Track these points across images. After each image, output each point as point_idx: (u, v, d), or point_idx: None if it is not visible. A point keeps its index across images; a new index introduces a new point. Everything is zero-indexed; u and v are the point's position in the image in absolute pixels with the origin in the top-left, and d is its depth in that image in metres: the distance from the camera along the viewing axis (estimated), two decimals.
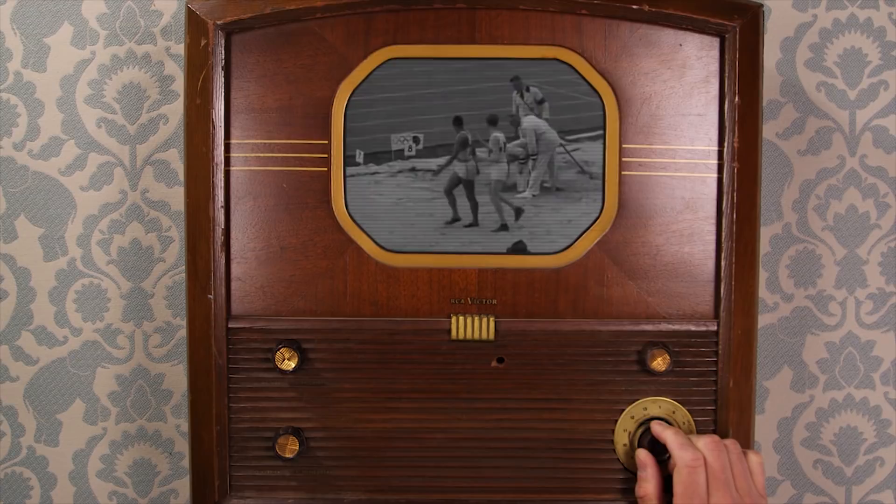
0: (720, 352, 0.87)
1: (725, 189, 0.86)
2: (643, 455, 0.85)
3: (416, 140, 0.85)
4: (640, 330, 0.87)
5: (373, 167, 0.86)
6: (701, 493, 0.80)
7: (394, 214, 0.87)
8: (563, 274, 0.87)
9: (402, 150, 0.86)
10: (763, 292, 1.05)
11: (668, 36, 0.87)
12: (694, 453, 0.81)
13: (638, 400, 0.87)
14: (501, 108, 0.86)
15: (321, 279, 0.87)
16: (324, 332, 0.87)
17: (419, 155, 0.86)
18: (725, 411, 0.87)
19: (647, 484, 0.84)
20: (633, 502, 0.87)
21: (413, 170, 0.86)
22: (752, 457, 0.84)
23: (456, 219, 0.87)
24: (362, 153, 0.86)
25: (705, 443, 0.82)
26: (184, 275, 0.92)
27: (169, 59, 1.02)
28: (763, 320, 1.06)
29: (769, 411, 1.07)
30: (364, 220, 0.86)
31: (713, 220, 0.87)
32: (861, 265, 1.06)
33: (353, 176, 0.86)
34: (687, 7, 0.85)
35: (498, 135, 0.86)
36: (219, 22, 0.84)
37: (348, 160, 0.86)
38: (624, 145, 0.87)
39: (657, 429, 0.85)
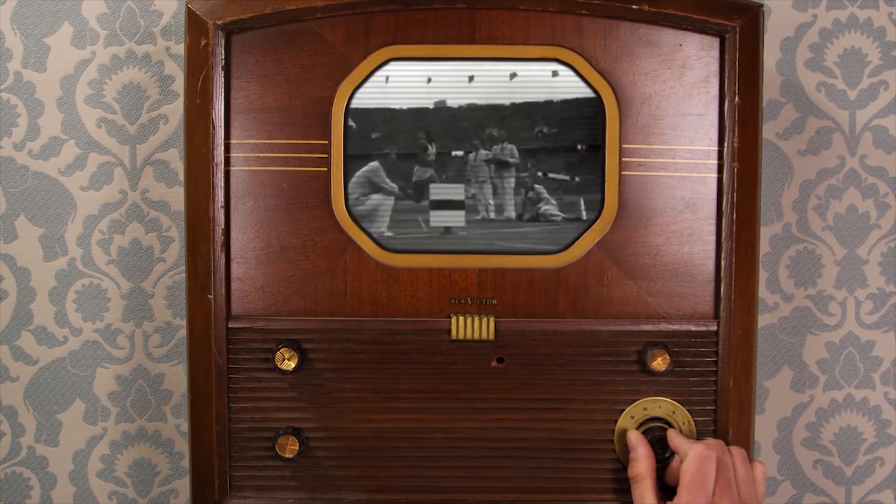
0: (720, 352, 0.87)
1: (725, 189, 0.86)
2: (634, 436, 0.85)
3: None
4: (640, 330, 0.87)
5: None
6: (708, 484, 0.80)
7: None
8: (563, 274, 0.87)
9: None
10: (763, 292, 1.05)
11: (668, 36, 0.87)
12: (708, 446, 0.82)
13: (638, 400, 0.87)
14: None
15: (321, 279, 0.87)
16: (324, 332, 0.87)
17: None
18: (725, 411, 0.87)
19: (639, 464, 0.84)
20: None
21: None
22: (758, 466, 0.84)
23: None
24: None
25: (712, 443, 0.83)
26: (184, 275, 0.92)
27: (169, 59, 1.02)
28: (763, 320, 1.06)
29: (769, 411, 1.07)
30: None
31: (713, 220, 0.87)
32: (861, 265, 1.06)
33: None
34: (687, 7, 0.85)
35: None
36: (219, 22, 0.84)
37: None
38: (624, 145, 0.87)
39: (674, 441, 0.85)
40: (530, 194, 0.85)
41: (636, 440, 0.85)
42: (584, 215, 0.86)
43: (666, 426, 0.86)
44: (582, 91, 0.86)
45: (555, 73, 0.84)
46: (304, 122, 0.86)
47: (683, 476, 0.81)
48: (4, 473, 1.05)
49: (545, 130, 0.85)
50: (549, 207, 0.84)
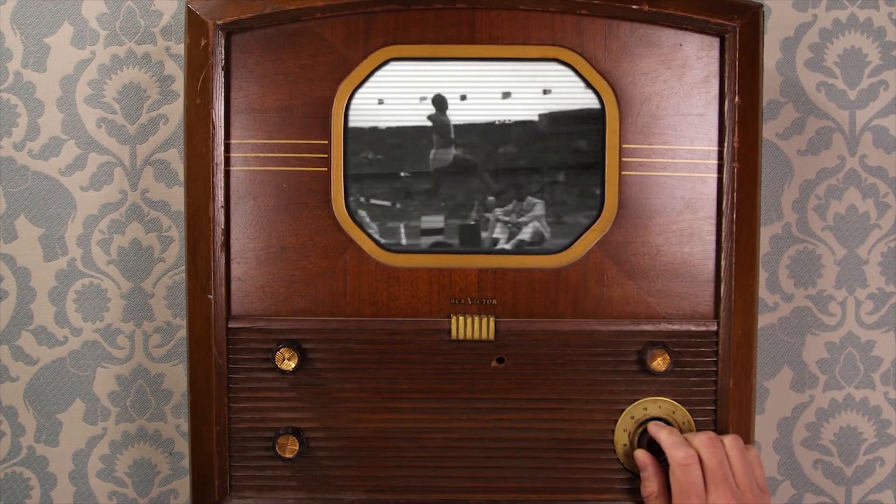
0: (720, 352, 0.87)
1: (725, 189, 0.86)
2: (641, 455, 0.85)
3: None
4: (640, 330, 0.87)
5: None
6: (698, 490, 0.80)
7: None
8: (563, 274, 0.87)
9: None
10: (763, 292, 1.05)
11: (668, 36, 0.87)
12: (686, 451, 0.81)
13: (638, 400, 0.87)
14: None
15: (321, 279, 0.87)
16: (324, 332, 0.87)
17: None
18: (725, 411, 0.87)
19: (651, 483, 0.84)
20: (635, 502, 0.87)
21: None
22: (750, 450, 0.84)
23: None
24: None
25: (700, 440, 0.82)
26: (184, 275, 0.92)
27: (169, 59, 1.02)
28: (763, 320, 1.06)
29: (769, 411, 1.07)
30: None
31: (713, 220, 0.87)
32: (861, 265, 1.06)
33: None
34: (687, 7, 0.85)
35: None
36: (219, 22, 0.84)
37: None
38: (624, 145, 0.87)
39: (653, 429, 0.85)
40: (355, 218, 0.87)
41: (644, 459, 0.85)
42: (403, 241, 0.86)
43: (664, 425, 0.86)
44: (408, 120, 0.86)
45: (380, 102, 0.85)
46: (304, 122, 0.86)
47: (673, 489, 0.82)
48: (4, 473, 1.05)
49: (371, 156, 0.86)
50: (371, 232, 0.86)
